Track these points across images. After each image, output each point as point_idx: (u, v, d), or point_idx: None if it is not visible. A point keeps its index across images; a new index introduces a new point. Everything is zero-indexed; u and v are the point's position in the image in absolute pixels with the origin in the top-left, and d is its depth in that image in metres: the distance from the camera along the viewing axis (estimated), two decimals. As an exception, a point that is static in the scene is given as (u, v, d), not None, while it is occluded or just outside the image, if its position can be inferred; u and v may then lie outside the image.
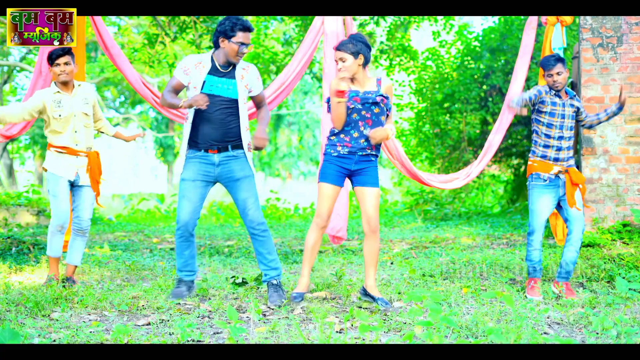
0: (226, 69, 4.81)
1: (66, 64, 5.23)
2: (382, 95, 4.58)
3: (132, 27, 15.94)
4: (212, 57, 4.84)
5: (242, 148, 4.84)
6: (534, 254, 5.26)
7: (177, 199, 4.91)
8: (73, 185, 5.38)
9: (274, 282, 4.91)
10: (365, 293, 4.69)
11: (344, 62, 4.53)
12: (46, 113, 5.26)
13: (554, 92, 5.22)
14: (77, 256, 5.44)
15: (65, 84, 5.29)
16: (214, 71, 4.79)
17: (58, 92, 5.29)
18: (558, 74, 5.15)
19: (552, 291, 5.18)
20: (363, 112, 4.55)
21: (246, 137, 4.85)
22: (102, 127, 5.63)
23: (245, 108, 4.85)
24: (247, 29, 4.75)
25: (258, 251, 4.93)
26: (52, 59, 5.23)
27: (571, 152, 5.26)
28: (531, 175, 5.29)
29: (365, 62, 4.59)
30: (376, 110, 4.56)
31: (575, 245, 5.19)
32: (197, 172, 4.81)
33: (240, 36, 4.71)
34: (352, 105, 4.52)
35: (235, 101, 4.79)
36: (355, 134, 4.57)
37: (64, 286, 5.23)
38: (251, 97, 5.02)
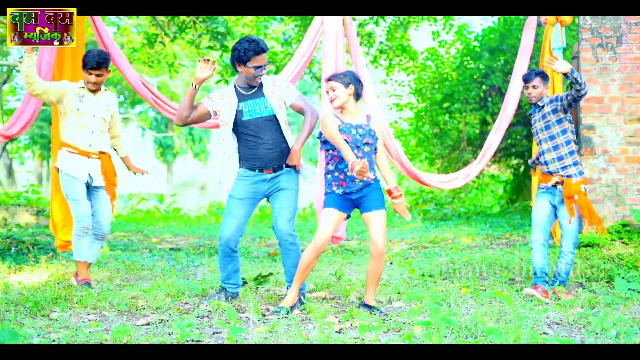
0: (251, 90, 4.84)
1: (97, 75, 5.28)
2: (372, 136, 4.57)
3: (131, 27, 15.92)
4: (234, 85, 4.86)
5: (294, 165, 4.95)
6: (534, 256, 5.28)
7: (223, 214, 4.91)
8: (88, 188, 5.38)
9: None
10: (363, 304, 4.68)
11: (334, 91, 4.54)
12: (63, 103, 5.30)
13: (532, 110, 5.38)
14: (92, 255, 5.49)
15: (91, 90, 5.34)
16: (242, 97, 4.82)
17: (83, 87, 5.34)
18: (534, 87, 5.27)
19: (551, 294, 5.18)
20: (355, 151, 4.50)
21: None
22: (117, 145, 5.56)
23: (286, 125, 4.88)
24: (261, 50, 4.71)
25: (284, 262, 4.93)
26: (85, 65, 5.24)
27: (566, 162, 5.23)
28: (538, 186, 5.45)
29: (357, 96, 4.59)
30: (366, 149, 4.53)
31: (565, 258, 5.28)
32: (247, 191, 4.85)
33: (254, 60, 4.71)
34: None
35: (275, 117, 4.82)
36: (349, 173, 4.52)
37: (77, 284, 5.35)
38: (291, 107, 5.00)
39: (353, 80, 4.56)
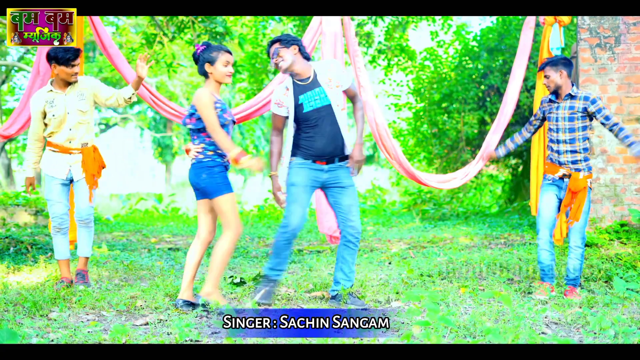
0: (307, 80, 4.82)
1: (78, 65, 5.26)
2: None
3: (130, 27, 15.91)
4: (292, 79, 4.85)
5: (347, 159, 4.89)
6: (541, 254, 5.29)
7: (287, 203, 4.84)
8: (72, 182, 5.40)
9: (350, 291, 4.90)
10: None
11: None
12: (46, 117, 5.30)
13: (549, 98, 5.33)
14: (85, 248, 5.46)
15: (66, 84, 5.30)
16: (300, 90, 4.81)
17: (51, 91, 5.29)
18: (546, 76, 5.24)
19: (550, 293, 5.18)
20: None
21: (349, 145, 4.87)
22: (118, 97, 5.31)
23: (342, 113, 4.82)
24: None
25: (344, 258, 4.87)
26: (68, 60, 5.18)
27: (578, 156, 5.17)
28: (543, 176, 5.41)
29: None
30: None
31: (574, 252, 5.23)
32: (307, 177, 4.81)
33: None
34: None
35: (330, 106, 4.78)
36: None
37: (75, 282, 5.35)
38: (345, 92, 4.92)
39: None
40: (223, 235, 4.55)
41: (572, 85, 5.25)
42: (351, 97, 4.95)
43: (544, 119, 5.42)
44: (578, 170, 5.19)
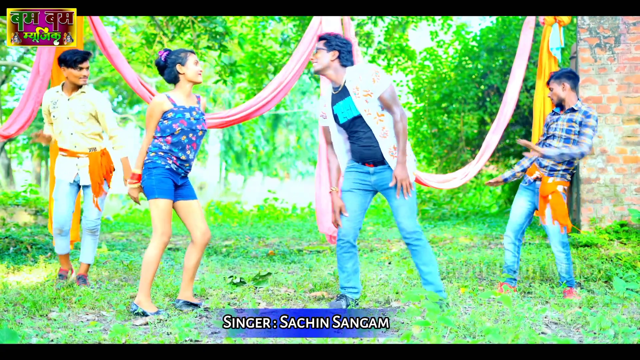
0: (338, 89, 4.66)
1: (87, 68, 5.27)
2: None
3: (130, 27, 15.91)
4: (331, 89, 4.72)
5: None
6: (505, 254, 5.41)
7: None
8: (81, 186, 5.43)
9: None
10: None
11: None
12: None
13: (553, 111, 5.37)
14: (88, 254, 5.47)
15: (75, 87, 5.30)
16: (333, 100, 4.68)
17: (57, 92, 5.31)
18: (550, 88, 5.31)
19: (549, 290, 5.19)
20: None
21: (391, 150, 4.57)
22: (114, 147, 5.40)
23: (378, 121, 4.54)
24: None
25: (414, 261, 4.69)
26: (75, 62, 5.20)
27: (559, 166, 5.16)
28: (522, 178, 5.50)
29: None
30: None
31: (557, 257, 5.27)
32: (354, 181, 4.70)
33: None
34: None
35: (360, 117, 4.57)
36: (183, 157, 4.60)
37: (77, 283, 5.35)
38: (379, 100, 4.55)
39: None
40: (150, 242, 4.53)
41: (578, 100, 5.26)
42: (385, 107, 4.55)
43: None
44: (551, 175, 5.19)
